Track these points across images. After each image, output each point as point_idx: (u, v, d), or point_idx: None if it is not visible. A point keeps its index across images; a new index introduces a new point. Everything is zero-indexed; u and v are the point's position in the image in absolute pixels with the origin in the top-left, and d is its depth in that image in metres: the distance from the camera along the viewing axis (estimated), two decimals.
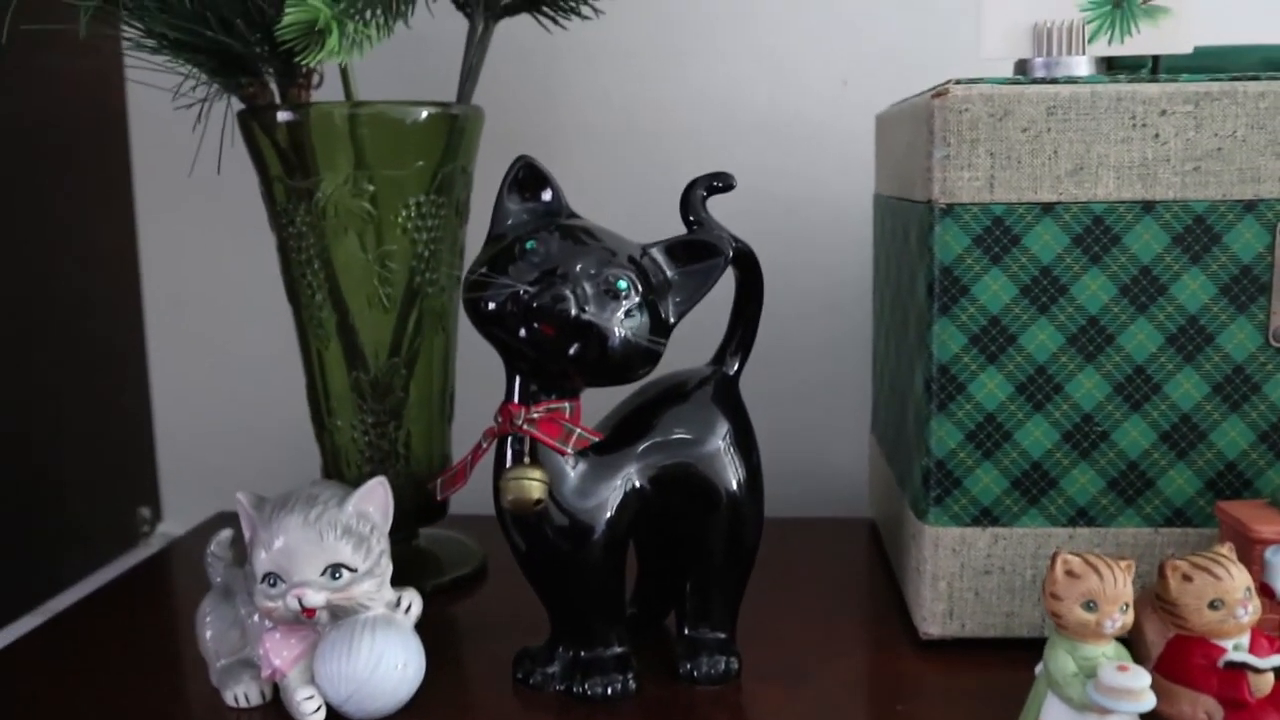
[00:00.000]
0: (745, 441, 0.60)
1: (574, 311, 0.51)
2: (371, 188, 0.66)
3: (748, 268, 0.61)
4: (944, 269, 0.58)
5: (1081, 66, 0.61)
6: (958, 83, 0.58)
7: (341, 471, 0.71)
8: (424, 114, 0.67)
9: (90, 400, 0.92)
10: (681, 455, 0.58)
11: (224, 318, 0.97)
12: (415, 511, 0.72)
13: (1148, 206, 0.57)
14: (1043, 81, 0.58)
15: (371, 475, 0.71)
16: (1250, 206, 0.57)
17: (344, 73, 0.70)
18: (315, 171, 0.66)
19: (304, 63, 0.58)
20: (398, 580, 0.57)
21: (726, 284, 0.59)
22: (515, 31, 0.75)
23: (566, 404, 0.55)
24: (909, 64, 0.87)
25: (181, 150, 0.76)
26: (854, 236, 0.88)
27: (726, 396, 0.61)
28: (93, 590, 0.75)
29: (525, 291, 0.52)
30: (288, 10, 0.57)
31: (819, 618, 0.66)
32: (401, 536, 0.73)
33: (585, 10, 0.67)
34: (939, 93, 0.57)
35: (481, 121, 0.71)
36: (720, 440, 0.59)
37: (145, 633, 0.67)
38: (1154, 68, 0.68)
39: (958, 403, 0.59)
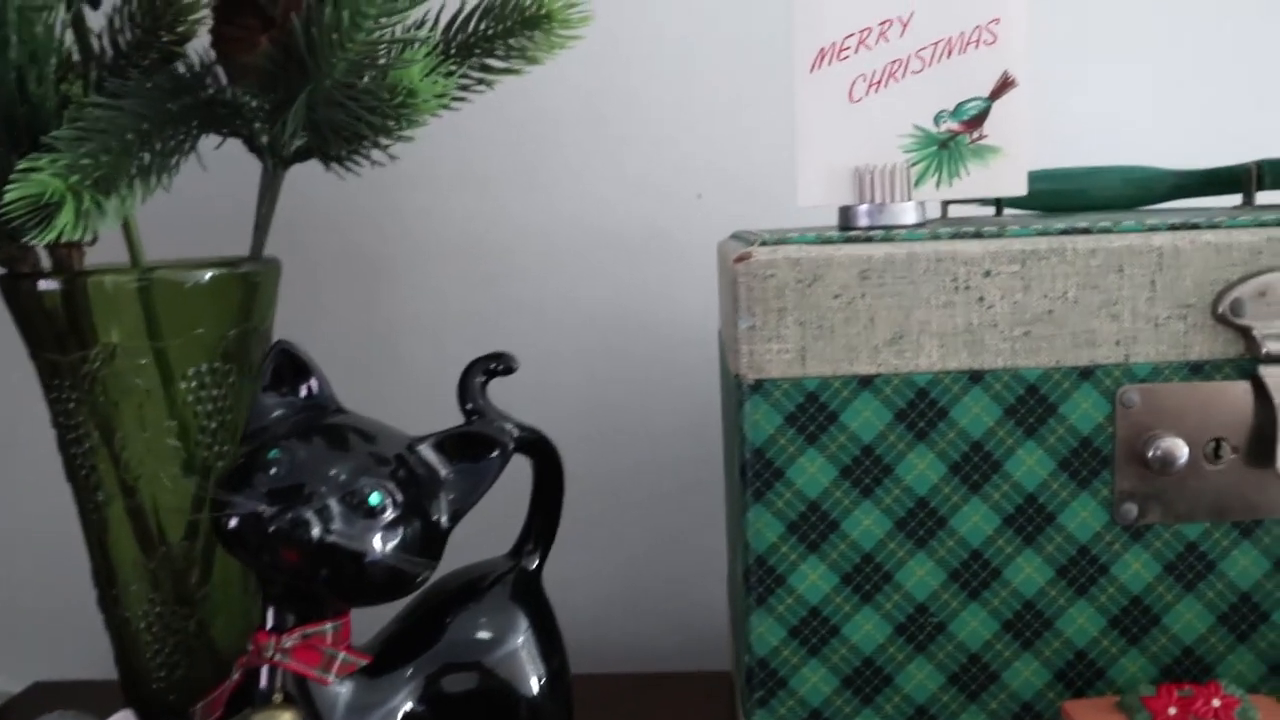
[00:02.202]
0: (547, 642, 0.54)
1: (317, 534, 0.46)
2: (144, 361, 0.60)
3: (542, 456, 0.55)
4: (755, 451, 0.52)
5: (909, 213, 0.56)
6: (763, 243, 0.52)
7: (131, 662, 0.64)
8: (208, 276, 0.61)
9: None
10: (474, 662, 0.52)
11: (42, 462, 0.90)
12: None
13: (975, 376, 0.52)
14: (856, 240, 0.52)
15: (167, 663, 0.64)
16: (1086, 373, 0.52)
17: (127, 228, 0.64)
18: (86, 343, 0.60)
19: (33, 243, 0.52)
20: None
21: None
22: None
23: (328, 625, 0.49)
24: (765, 175, 0.82)
25: None
26: (711, 356, 0.83)
27: (526, 593, 0.55)
28: None
29: (263, 512, 0.46)
30: (11, 185, 0.51)
31: None
32: None
33: (378, 157, 0.62)
34: (741, 256, 0.52)
35: (277, 275, 0.65)
36: (518, 641, 0.53)
37: None
38: (998, 206, 0.64)
39: (778, 596, 0.53)
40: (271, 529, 0.45)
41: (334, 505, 0.46)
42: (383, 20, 0.56)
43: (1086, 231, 0.52)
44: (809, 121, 0.56)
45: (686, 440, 0.84)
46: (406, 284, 0.85)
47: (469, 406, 0.53)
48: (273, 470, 0.47)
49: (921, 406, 0.52)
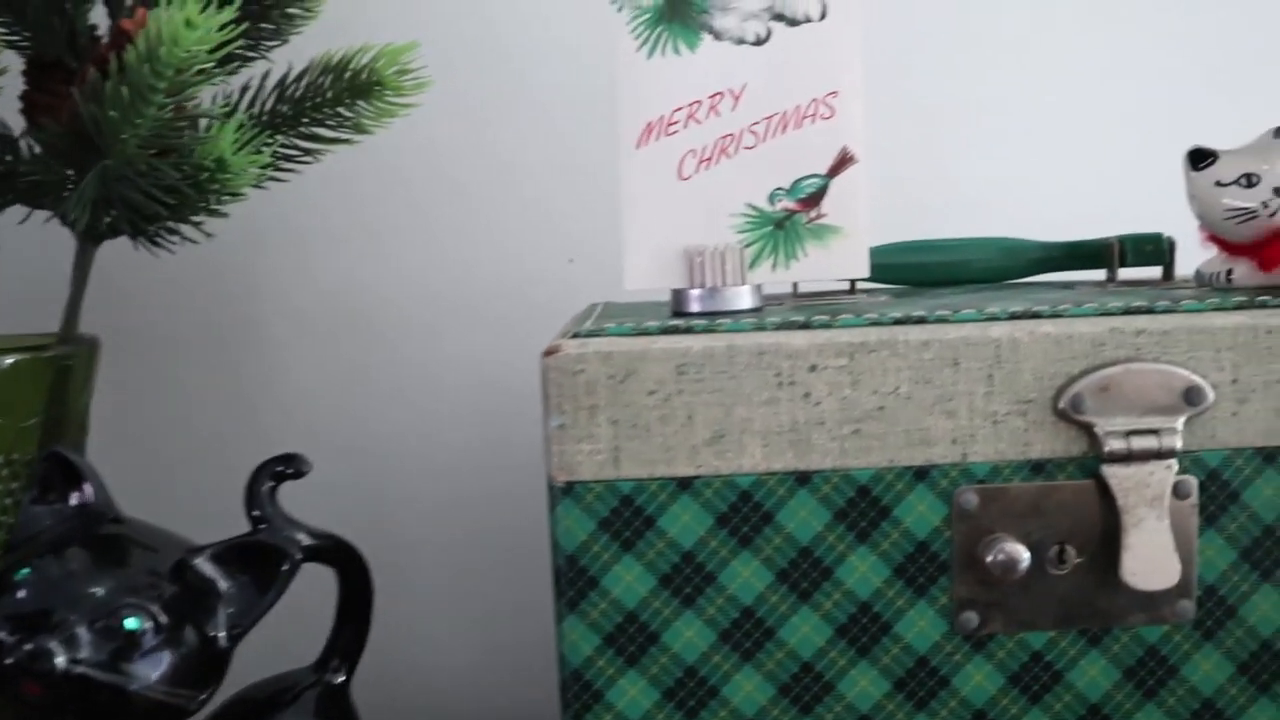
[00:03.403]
0: None
1: (61, 665, 0.42)
2: None
3: (344, 563, 0.51)
4: (568, 558, 0.49)
5: (744, 297, 0.52)
6: (574, 336, 0.49)
7: None
8: (9, 361, 0.57)
9: None
10: None
11: None
12: None
13: (802, 478, 0.48)
14: (673, 332, 0.49)
15: None
16: (921, 474, 0.48)
17: None
18: None
19: None
20: None
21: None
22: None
23: None
24: None
25: None
26: None
27: (332, 710, 0.51)
28: None
29: (3, 641, 0.42)
30: None
31: None
32: None
33: (190, 232, 0.58)
34: (549, 350, 0.48)
35: (92, 356, 0.61)
36: None
37: None
38: (851, 284, 0.61)
39: (595, 713, 0.49)
40: (9, 660, 0.41)
41: (83, 632, 0.42)
42: (187, 92, 0.53)
43: (921, 322, 0.49)
44: (636, 200, 0.53)
45: None
46: (265, 353, 0.81)
47: (255, 514, 0.49)
48: (18, 593, 0.43)
49: (745, 510, 0.48)
